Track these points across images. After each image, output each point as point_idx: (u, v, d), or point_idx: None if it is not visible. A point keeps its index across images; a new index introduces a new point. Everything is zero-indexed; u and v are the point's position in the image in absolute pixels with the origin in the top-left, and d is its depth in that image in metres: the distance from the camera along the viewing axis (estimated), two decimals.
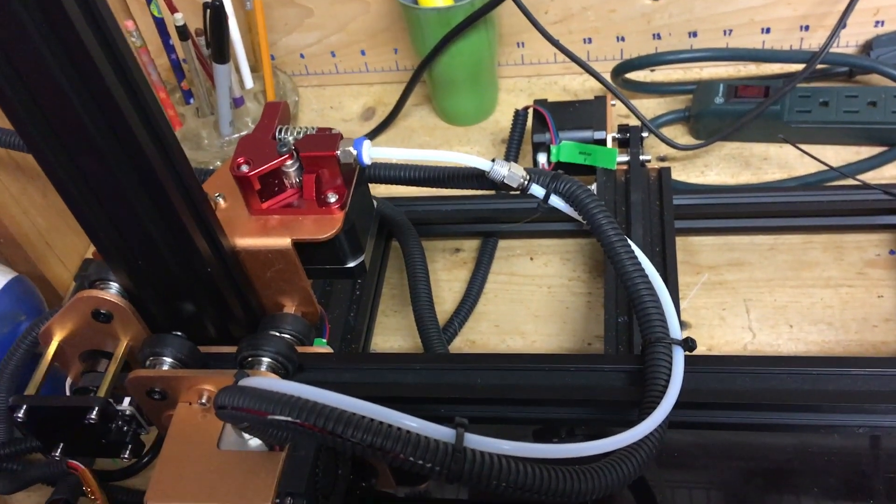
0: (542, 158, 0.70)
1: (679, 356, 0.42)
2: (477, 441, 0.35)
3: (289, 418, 0.34)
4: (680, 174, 0.73)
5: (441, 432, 0.35)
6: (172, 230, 0.42)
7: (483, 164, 0.47)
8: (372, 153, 0.46)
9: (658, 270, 0.59)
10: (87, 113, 0.37)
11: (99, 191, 0.40)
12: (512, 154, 0.74)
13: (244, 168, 0.46)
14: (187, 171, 0.41)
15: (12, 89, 0.36)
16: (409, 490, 0.56)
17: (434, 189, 0.75)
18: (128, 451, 0.48)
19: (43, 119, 0.37)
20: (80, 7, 0.34)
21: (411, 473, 0.55)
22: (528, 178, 0.47)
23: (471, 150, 0.81)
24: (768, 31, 0.77)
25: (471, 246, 0.72)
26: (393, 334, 0.68)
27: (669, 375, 0.41)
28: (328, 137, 0.47)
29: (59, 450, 0.49)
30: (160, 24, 0.77)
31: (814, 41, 0.77)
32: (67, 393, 0.51)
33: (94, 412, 0.45)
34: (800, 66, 0.70)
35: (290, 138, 0.47)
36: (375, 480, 0.54)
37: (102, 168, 0.39)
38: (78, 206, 0.41)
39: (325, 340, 0.57)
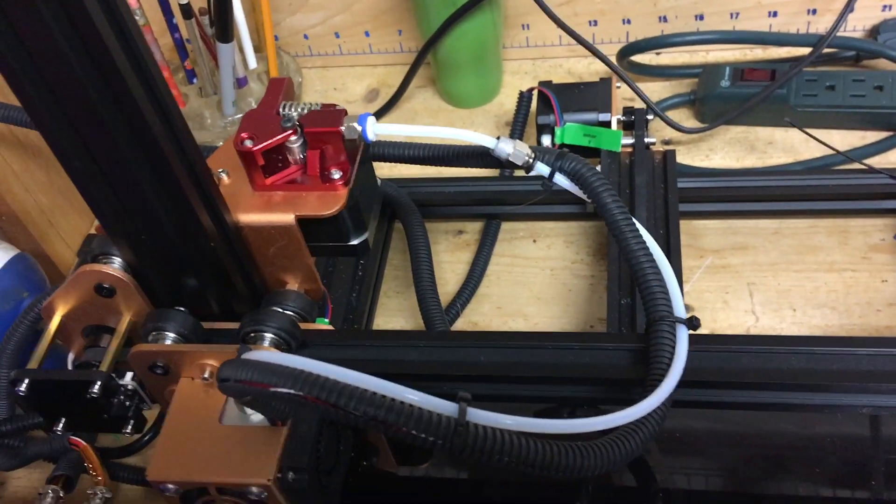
0: (546, 140, 0.70)
1: (683, 334, 0.41)
2: (479, 416, 0.35)
3: (292, 391, 0.34)
4: (685, 157, 0.73)
5: (444, 406, 0.35)
6: (175, 204, 0.42)
7: (488, 141, 0.46)
8: (377, 129, 0.46)
9: None
10: (92, 84, 0.37)
11: (103, 164, 0.40)
12: (516, 136, 0.73)
13: (248, 143, 0.45)
14: (191, 145, 0.41)
15: (18, 61, 0.36)
16: (410, 470, 0.56)
17: (437, 171, 0.75)
18: (130, 427, 0.48)
19: (48, 91, 0.37)
20: None
21: (412, 454, 0.55)
22: (532, 156, 0.47)
23: (475, 132, 0.80)
24: (775, 14, 0.76)
25: (474, 228, 0.72)
26: (395, 315, 0.68)
27: (673, 353, 0.41)
28: (333, 113, 0.46)
29: (60, 425, 0.48)
30: (164, 2, 0.77)
31: (821, 25, 0.76)
32: (70, 368, 0.51)
33: (97, 386, 0.45)
34: (806, 50, 0.70)
35: (295, 114, 0.47)
36: (377, 460, 0.54)
37: (106, 140, 0.39)
38: (82, 180, 0.41)
39: (327, 320, 0.57)
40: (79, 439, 0.54)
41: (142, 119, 0.38)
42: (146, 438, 0.61)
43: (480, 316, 0.67)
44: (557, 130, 0.68)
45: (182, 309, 0.47)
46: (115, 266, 0.46)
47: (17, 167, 0.68)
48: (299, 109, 0.47)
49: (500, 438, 0.34)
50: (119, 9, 0.36)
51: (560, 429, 0.36)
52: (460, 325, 0.66)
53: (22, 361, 0.52)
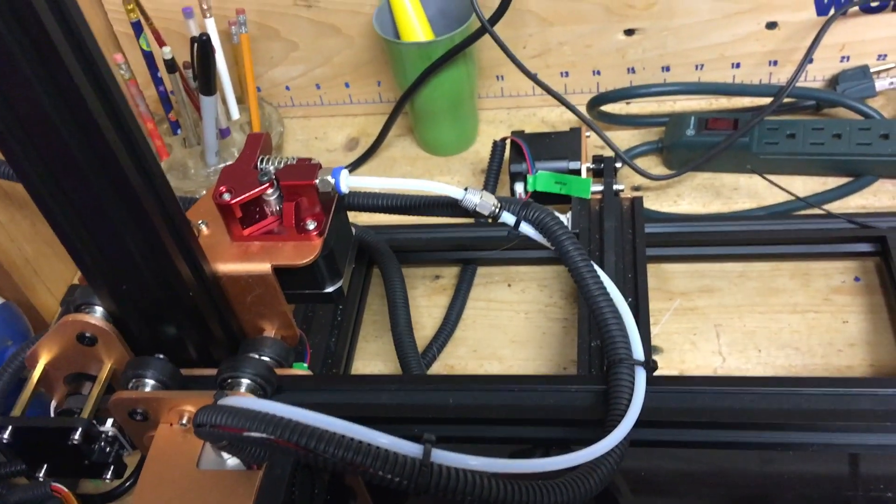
0: (519, 188, 0.72)
1: (641, 376, 0.43)
2: (444, 456, 0.37)
3: (264, 434, 0.36)
4: (653, 203, 0.75)
5: (410, 448, 0.37)
6: (155, 255, 0.44)
7: (456, 192, 0.49)
8: (349, 182, 0.48)
9: (630, 297, 0.62)
10: (74, 141, 0.39)
11: (85, 217, 0.42)
12: (490, 183, 0.76)
13: (226, 196, 0.47)
14: (170, 198, 0.43)
15: (4, 121, 0.38)
16: None
17: (415, 217, 0.77)
18: (110, 473, 0.49)
19: (31, 147, 0.39)
20: (68, 41, 0.36)
21: (389, 496, 0.56)
22: (499, 206, 0.49)
23: (451, 179, 0.83)
24: (738, 65, 0.80)
25: (450, 273, 0.74)
26: (373, 359, 0.69)
27: (631, 394, 0.42)
28: (307, 167, 0.48)
29: (42, 471, 0.50)
30: (149, 57, 0.79)
31: (782, 76, 0.79)
32: (52, 415, 0.53)
33: (78, 433, 0.46)
34: (768, 100, 0.73)
35: (271, 168, 0.49)
36: (354, 502, 0.55)
37: (88, 195, 0.41)
38: (64, 232, 0.43)
39: (306, 364, 0.59)
40: (61, 486, 0.55)
41: (123, 175, 0.40)
42: (126, 485, 0.62)
43: (456, 359, 0.68)
44: (529, 178, 0.71)
45: (161, 356, 0.49)
46: (96, 315, 0.48)
47: (3, 217, 0.70)
48: (276, 163, 0.49)
49: (462, 478, 0.36)
50: (101, 70, 0.38)
51: (521, 468, 0.38)
52: (436, 367, 0.67)
53: (6, 408, 0.54)
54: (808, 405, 0.43)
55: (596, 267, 0.47)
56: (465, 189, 0.49)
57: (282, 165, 0.49)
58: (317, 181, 0.48)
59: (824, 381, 0.45)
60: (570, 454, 0.39)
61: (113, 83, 0.39)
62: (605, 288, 0.46)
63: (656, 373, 0.49)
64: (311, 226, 0.49)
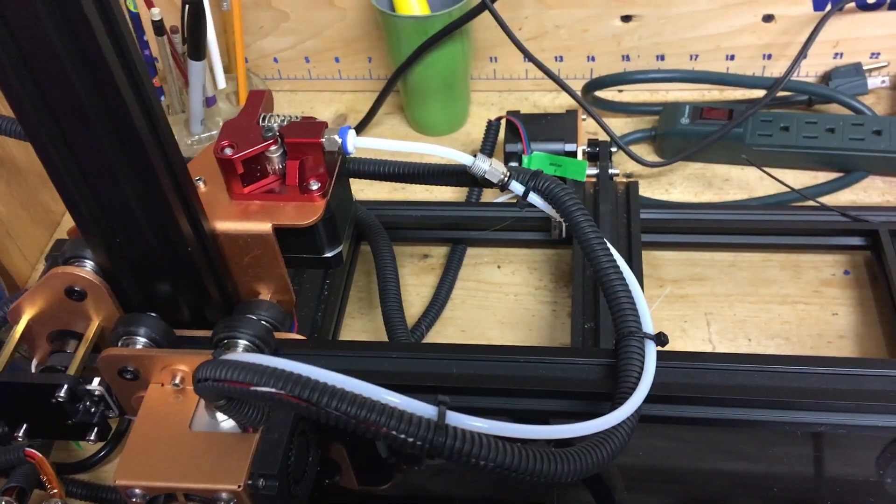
0: None
1: (651, 350, 0.43)
2: (457, 419, 0.36)
3: (273, 389, 0.34)
4: (645, 191, 0.75)
5: (423, 409, 0.35)
6: (156, 207, 0.42)
7: (465, 158, 0.48)
8: (356, 142, 0.47)
9: None
10: (81, 82, 0.37)
11: (84, 161, 0.40)
12: None
13: (228, 151, 0.46)
14: (173, 147, 0.41)
15: (6, 52, 0.36)
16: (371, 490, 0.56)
17: (404, 194, 0.76)
18: (94, 434, 0.47)
19: (34, 85, 0.37)
20: None
21: (374, 474, 0.55)
22: (508, 174, 0.48)
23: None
24: (733, 58, 0.80)
25: (439, 252, 0.73)
26: (359, 335, 0.68)
27: (642, 368, 0.42)
28: (313, 125, 0.47)
29: (21, 431, 0.47)
30: (135, 19, 0.77)
31: (775, 70, 0.80)
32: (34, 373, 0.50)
33: (63, 390, 0.44)
34: (760, 93, 0.73)
35: (275, 124, 0.47)
36: (339, 478, 0.54)
37: (91, 139, 0.39)
38: (61, 179, 0.41)
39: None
40: (35, 451, 0.53)
41: (129, 119, 0.38)
42: (101, 454, 0.60)
43: (444, 338, 0.67)
44: (525, 158, 0.70)
45: (154, 314, 0.47)
46: (87, 269, 0.46)
47: None
48: (279, 120, 0.48)
49: (478, 441, 0.35)
50: (113, 10, 0.36)
51: (533, 434, 0.37)
52: None
53: None
54: (816, 384, 0.43)
55: (606, 240, 0.46)
56: (475, 155, 0.48)
57: (286, 123, 0.48)
58: (323, 139, 0.46)
59: (830, 360, 0.44)
60: (584, 423, 0.38)
61: (124, 23, 0.37)
62: (615, 260, 0.45)
63: None
64: (315, 186, 0.47)
